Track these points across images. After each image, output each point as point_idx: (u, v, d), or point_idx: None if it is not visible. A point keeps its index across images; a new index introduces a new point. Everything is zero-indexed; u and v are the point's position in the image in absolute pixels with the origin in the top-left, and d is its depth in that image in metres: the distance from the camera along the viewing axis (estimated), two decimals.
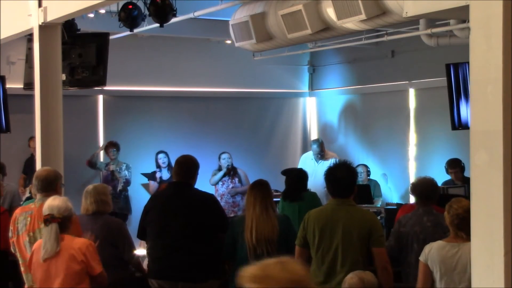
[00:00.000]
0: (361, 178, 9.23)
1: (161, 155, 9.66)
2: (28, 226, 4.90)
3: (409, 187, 5.44)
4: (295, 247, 4.74)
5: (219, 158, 9.44)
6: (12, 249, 5.12)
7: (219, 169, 9.39)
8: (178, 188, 5.21)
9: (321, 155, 9.72)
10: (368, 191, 8.70)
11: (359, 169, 9.16)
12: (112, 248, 5.01)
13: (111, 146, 9.68)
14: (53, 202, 4.49)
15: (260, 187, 5.03)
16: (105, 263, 4.60)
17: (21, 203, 7.49)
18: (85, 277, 4.43)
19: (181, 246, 5.00)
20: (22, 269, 4.99)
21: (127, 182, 9.57)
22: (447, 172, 8.23)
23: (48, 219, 4.41)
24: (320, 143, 9.85)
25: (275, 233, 4.84)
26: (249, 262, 4.74)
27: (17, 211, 5.09)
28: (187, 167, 5.20)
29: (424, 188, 5.16)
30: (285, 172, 6.98)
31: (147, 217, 5.18)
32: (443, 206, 4.51)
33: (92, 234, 4.79)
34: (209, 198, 5.25)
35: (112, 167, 9.50)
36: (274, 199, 5.46)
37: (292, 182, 6.67)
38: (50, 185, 4.97)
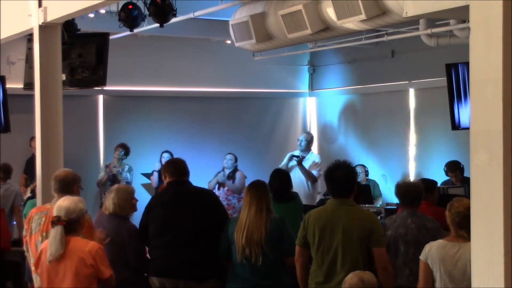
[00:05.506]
0: (360, 179, 9.22)
1: (165, 155, 9.65)
2: (42, 226, 4.87)
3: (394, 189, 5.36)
4: (290, 249, 4.77)
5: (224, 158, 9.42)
6: (24, 248, 5.11)
7: (223, 169, 9.36)
8: (179, 186, 5.24)
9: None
10: (368, 191, 8.72)
11: (357, 169, 9.14)
12: (118, 250, 5.01)
13: (120, 147, 9.56)
14: (62, 203, 4.43)
15: (257, 188, 5.01)
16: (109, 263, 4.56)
17: (22, 203, 7.55)
18: (94, 280, 4.38)
19: (184, 243, 5.00)
20: (32, 269, 4.95)
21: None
22: (447, 174, 8.23)
23: (54, 221, 4.36)
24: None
25: (264, 236, 4.83)
26: (238, 262, 4.78)
27: (33, 210, 5.08)
28: (182, 165, 5.28)
29: (406, 192, 5.10)
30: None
31: (150, 215, 5.19)
32: (443, 206, 4.50)
33: (103, 231, 4.81)
34: (210, 195, 5.33)
35: (114, 170, 9.42)
36: None
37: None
38: (67, 187, 4.92)
